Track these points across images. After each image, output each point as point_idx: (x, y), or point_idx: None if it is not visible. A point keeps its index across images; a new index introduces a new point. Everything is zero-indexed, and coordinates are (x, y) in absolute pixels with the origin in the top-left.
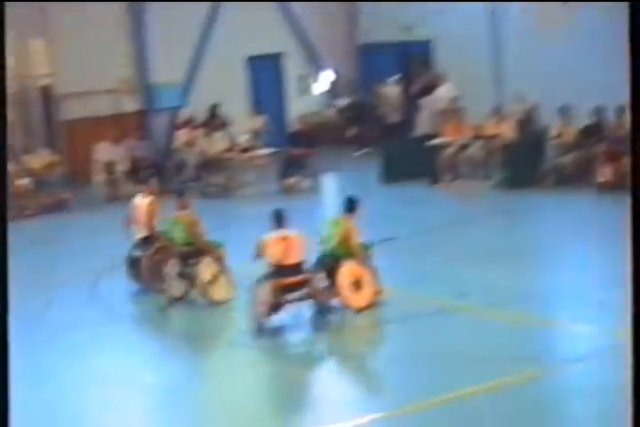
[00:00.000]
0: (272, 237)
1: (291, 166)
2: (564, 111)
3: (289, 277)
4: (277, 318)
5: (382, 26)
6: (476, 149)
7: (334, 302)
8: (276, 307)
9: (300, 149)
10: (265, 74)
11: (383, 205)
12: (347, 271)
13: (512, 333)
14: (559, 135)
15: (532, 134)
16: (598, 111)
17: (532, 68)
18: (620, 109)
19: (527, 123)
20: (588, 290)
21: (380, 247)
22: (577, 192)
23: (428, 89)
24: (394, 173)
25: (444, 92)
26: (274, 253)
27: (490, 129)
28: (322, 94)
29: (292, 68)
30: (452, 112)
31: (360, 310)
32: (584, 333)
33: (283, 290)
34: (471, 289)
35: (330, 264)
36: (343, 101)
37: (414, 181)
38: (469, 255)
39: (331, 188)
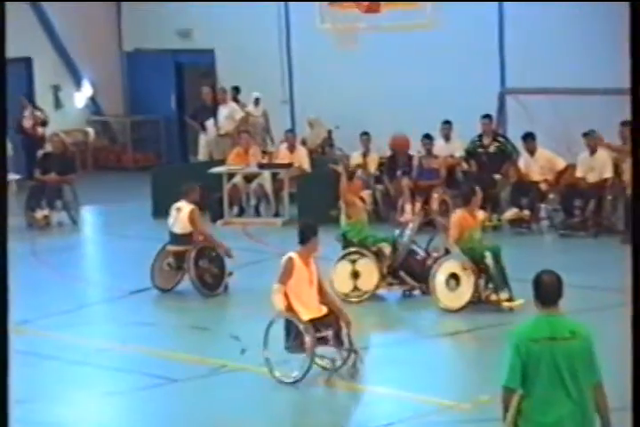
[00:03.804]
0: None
1: (40, 197)
2: (366, 138)
3: None
4: None
5: (154, 30)
6: (264, 180)
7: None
8: None
9: (52, 176)
10: (9, 81)
11: (152, 247)
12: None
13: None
14: (359, 166)
15: (328, 164)
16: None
17: (326, 90)
18: (427, 138)
19: (323, 150)
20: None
21: None
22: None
23: (210, 108)
24: (167, 206)
25: (227, 113)
26: None
27: (281, 157)
28: (82, 108)
29: (45, 76)
30: (238, 136)
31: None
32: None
33: None
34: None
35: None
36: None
37: None
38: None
39: (92, 223)
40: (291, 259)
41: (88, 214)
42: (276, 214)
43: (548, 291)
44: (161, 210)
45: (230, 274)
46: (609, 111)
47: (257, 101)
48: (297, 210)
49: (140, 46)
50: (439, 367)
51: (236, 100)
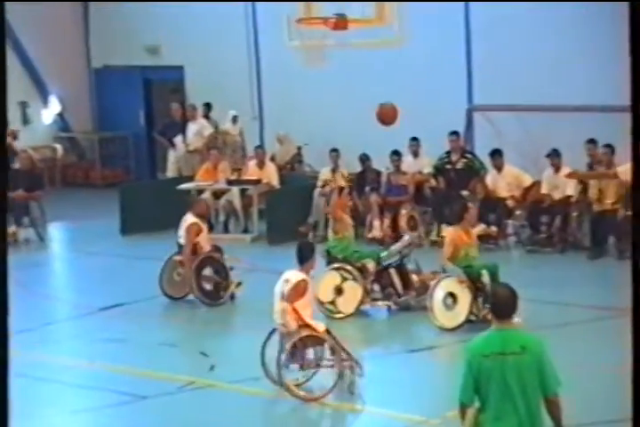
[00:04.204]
0: None
1: (8, 213)
2: (335, 155)
3: None
4: None
5: (123, 47)
6: (233, 197)
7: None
8: None
9: (19, 192)
10: None
11: (120, 264)
12: (440, 286)
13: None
14: (328, 182)
15: (297, 180)
16: (365, 158)
17: (295, 106)
18: (396, 154)
19: (292, 167)
20: None
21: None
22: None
23: (179, 124)
24: (135, 222)
25: (196, 129)
26: None
27: (250, 173)
28: (50, 125)
29: (13, 92)
30: (207, 152)
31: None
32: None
33: None
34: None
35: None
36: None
37: (159, 232)
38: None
39: (59, 240)
40: (304, 280)
41: (55, 231)
42: (245, 231)
43: (501, 304)
44: (129, 227)
45: (239, 284)
46: (576, 128)
47: (235, 119)
48: (266, 226)
49: (108, 62)
50: (409, 383)
51: (207, 116)
